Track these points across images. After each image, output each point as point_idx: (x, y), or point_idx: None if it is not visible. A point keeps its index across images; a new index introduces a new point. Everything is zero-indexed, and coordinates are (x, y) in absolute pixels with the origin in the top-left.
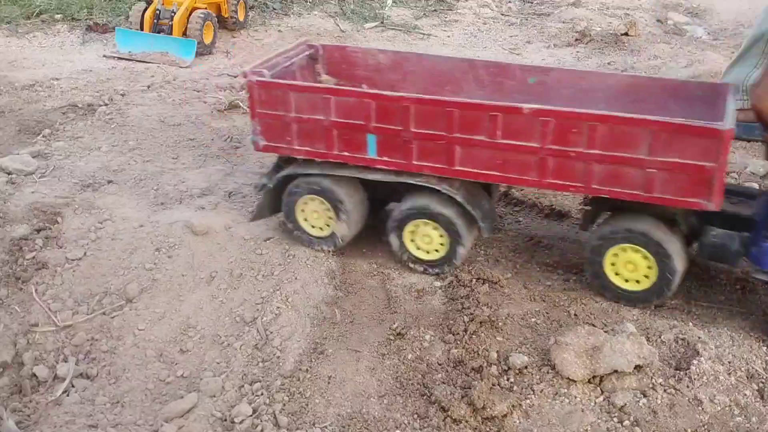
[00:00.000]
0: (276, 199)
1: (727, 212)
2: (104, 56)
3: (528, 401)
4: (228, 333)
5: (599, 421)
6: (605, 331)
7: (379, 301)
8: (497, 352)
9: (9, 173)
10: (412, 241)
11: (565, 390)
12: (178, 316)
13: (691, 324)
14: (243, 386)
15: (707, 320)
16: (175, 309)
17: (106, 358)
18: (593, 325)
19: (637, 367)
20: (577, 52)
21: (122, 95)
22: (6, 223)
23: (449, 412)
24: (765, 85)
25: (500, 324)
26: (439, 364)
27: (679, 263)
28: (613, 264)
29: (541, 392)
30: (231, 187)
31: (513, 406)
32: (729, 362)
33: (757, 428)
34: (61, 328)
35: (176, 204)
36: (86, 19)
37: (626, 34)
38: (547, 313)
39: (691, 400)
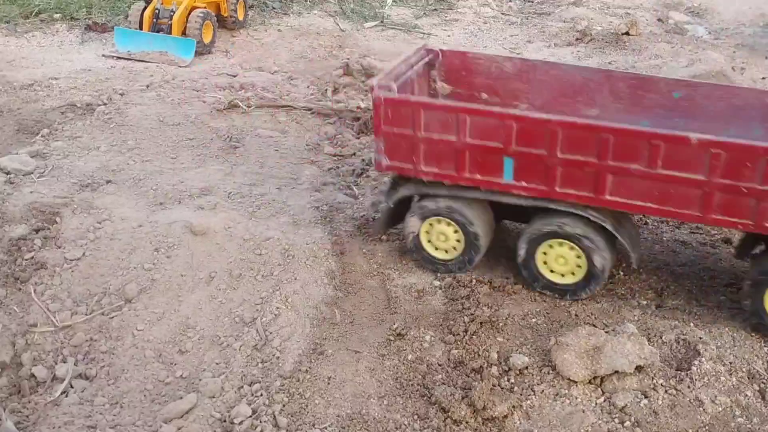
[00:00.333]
0: (394, 217)
1: None
2: (103, 56)
3: (529, 402)
4: (227, 333)
5: (600, 421)
6: (606, 332)
7: (379, 302)
8: (498, 352)
9: (7, 173)
10: (544, 263)
11: (566, 391)
12: (177, 316)
13: (692, 324)
14: (242, 387)
15: (708, 321)
16: (174, 309)
17: (105, 358)
18: (594, 326)
19: (638, 368)
20: (578, 51)
21: (121, 95)
22: (4, 223)
23: (450, 413)
24: None
25: (501, 324)
26: (440, 365)
27: None
28: None
29: (541, 393)
30: (230, 188)
31: (513, 406)
32: (730, 363)
33: (759, 429)
34: (60, 329)
35: (175, 204)
36: (85, 19)
37: (627, 33)
38: (547, 313)
39: (692, 401)
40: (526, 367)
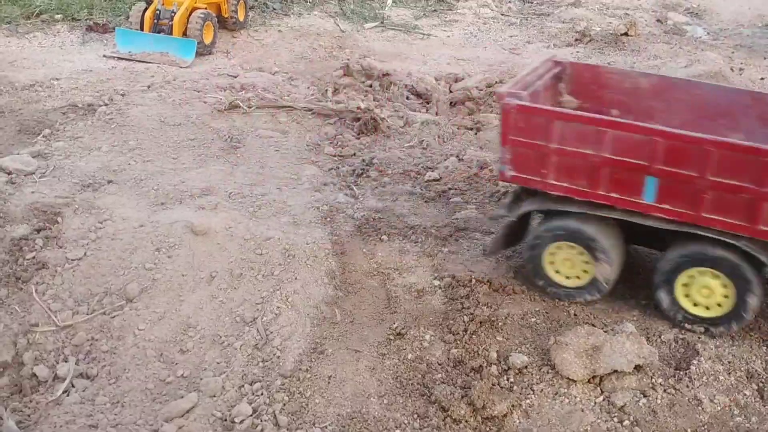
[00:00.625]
0: (515, 233)
1: None
2: (104, 56)
3: (528, 401)
4: (228, 333)
5: (599, 420)
6: (605, 331)
7: (379, 301)
8: (497, 351)
9: (9, 173)
10: (686, 296)
11: (565, 390)
12: (178, 316)
13: None
14: (243, 386)
15: None
16: (175, 309)
17: (106, 358)
18: (593, 325)
19: (637, 367)
20: (577, 52)
21: (122, 95)
22: (6, 223)
23: (449, 412)
24: None
25: (500, 324)
26: (439, 364)
27: None
28: None
29: (540, 392)
30: (231, 188)
31: (513, 405)
32: (729, 362)
33: (757, 428)
34: (61, 328)
35: (176, 204)
36: (86, 19)
37: (626, 34)
38: (546, 312)
39: (690, 400)
40: (526, 367)
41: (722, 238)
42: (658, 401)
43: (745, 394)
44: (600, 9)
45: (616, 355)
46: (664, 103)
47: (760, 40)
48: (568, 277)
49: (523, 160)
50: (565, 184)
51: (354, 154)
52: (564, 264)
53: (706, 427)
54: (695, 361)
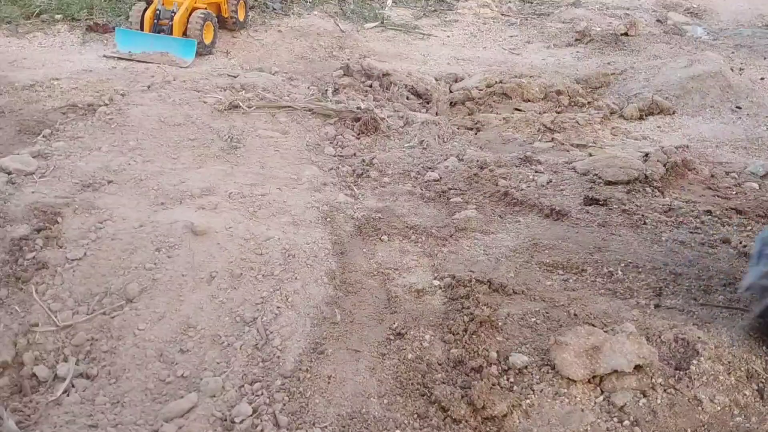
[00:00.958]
0: None
1: None
2: (104, 56)
3: (528, 401)
4: (228, 333)
5: (599, 420)
6: (605, 331)
7: (379, 301)
8: (497, 351)
9: (9, 173)
10: None
11: (565, 390)
12: (178, 316)
13: (690, 324)
14: (243, 386)
15: (707, 320)
16: (175, 309)
17: (107, 358)
18: (593, 325)
19: (637, 367)
20: (577, 52)
21: (122, 95)
22: (6, 223)
23: (449, 412)
24: None
25: (500, 324)
26: (439, 364)
27: None
28: None
29: (541, 392)
30: (231, 188)
31: (513, 405)
32: (729, 362)
33: (757, 428)
34: (61, 328)
35: (176, 204)
36: (86, 19)
37: (626, 33)
38: (547, 312)
39: (690, 400)
40: (526, 367)
41: None
42: (658, 401)
43: (745, 394)
44: (600, 9)
45: (616, 355)
46: None
47: (760, 40)
48: None
49: None
50: None
51: (354, 155)
52: None
53: (706, 427)
54: (695, 361)
